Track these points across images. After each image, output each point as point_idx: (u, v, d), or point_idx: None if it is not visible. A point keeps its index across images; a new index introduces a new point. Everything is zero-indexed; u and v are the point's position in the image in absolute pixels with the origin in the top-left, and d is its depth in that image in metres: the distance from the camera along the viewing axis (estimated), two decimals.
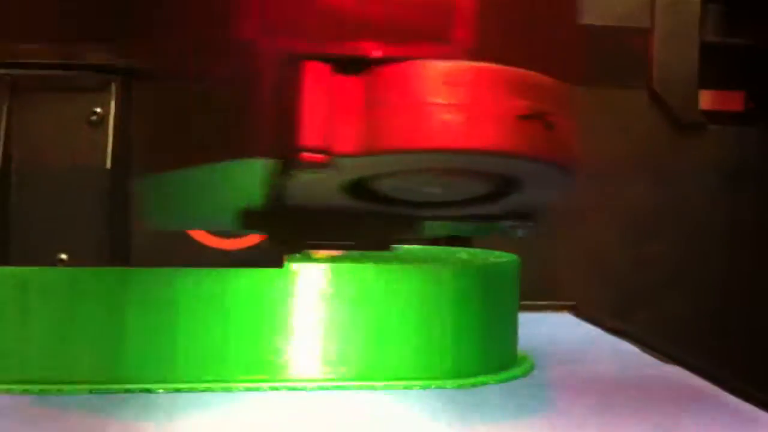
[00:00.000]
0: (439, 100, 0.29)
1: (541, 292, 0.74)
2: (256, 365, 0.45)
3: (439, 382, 0.46)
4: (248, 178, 0.32)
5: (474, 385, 0.47)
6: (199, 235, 0.62)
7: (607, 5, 0.81)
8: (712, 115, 0.84)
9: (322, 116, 0.29)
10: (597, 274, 0.81)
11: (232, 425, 0.40)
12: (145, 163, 0.35)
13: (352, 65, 0.30)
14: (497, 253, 0.52)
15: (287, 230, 0.37)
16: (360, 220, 0.36)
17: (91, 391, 0.44)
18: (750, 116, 0.85)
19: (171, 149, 0.34)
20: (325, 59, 0.29)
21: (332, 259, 0.47)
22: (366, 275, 0.46)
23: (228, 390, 0.45)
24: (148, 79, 0.35)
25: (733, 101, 0.84)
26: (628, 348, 0.58)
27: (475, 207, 0.36)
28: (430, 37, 0.30)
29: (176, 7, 0.33)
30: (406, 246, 0.55)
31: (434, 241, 0.64)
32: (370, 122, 0.29)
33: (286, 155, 0.30)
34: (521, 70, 0.30)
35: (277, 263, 0.46)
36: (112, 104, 0.61)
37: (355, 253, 0.48)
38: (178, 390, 0.44)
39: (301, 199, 0.34)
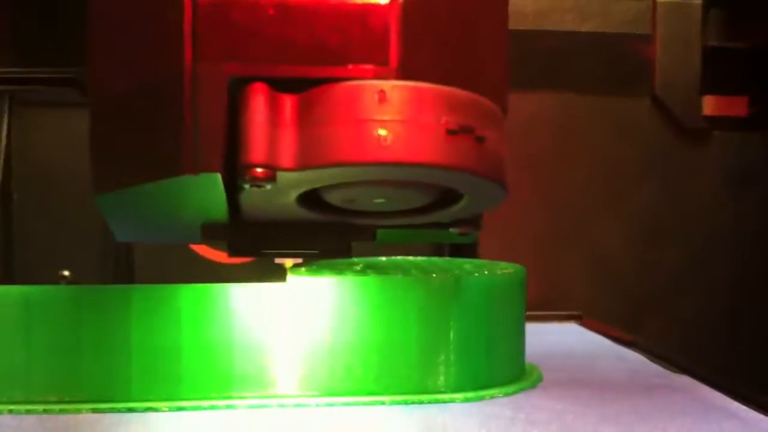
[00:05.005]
0: (374, 117, 0.32)
1: (549, 302, 0.73)
2: (261, 382, 0.45)
3: (446, 396, 0.46)
4: (206, 193, 0.35)
5: (482, 398, 0.46)
6: (202, 250, 0.62)
7: (608, 12, 0.81)
8: (716, 121, 0.83)
9: (265, 134, 0.32)
10: (604, 282, 0.81)
11: None
12: (103, 179, 0.37)
13: (291, 85, 0.33)
14: (503, 264, 0.52)
15: (247, 241, 0.40)
16: (318, 230, 0.40)
17: (94, 410, 0.44)
18: (753, 121, 0.84)
19: (127, 166, 0.35)
20: (266, 80, 0.32)
21: (316, 271, 0.47)
22: (370, 287, 0.46)
23: (232, 408, 0.44)
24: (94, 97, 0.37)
25: (737, 106, 0.84)
26: (635, 357, 0.58)
27: (422, 216, 0.39)
28: (363, 59, 0.33)
29: (118, 33, 0.36)
30: (410, 258, 0.55)
31: (438, 252, 0.64)
32: (311, 138, 0.32)
33: (234, 172, 0.32)
34: (451, 88, 0.33)
35: (281, 277, 0.46)
36: None
37: (326, 261, 0.49)
38: (181, 409, 0.44)
39: (260, 211, 0.37)
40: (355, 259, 0.52)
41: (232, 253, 0.42)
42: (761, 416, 0.44)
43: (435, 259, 0.56)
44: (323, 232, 0.40)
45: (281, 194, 0.35)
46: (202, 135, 0.33)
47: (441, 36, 0.35)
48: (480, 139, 0.34)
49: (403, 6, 0.33)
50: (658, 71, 0.82)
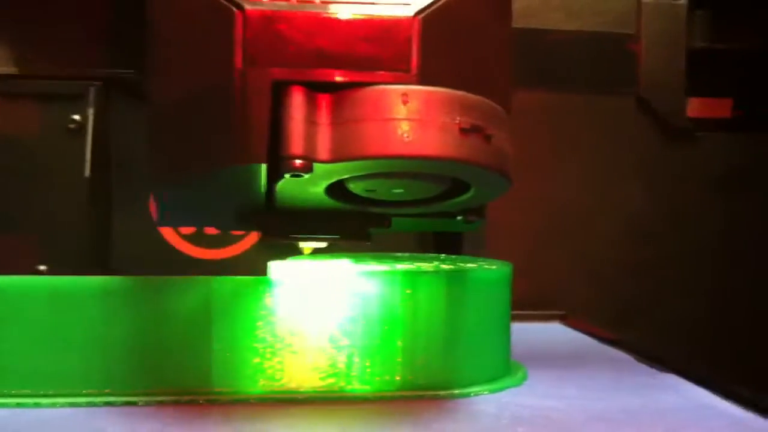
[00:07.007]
0: (398, 116, 0.37)
1: (534, 302, 0.73)
2: (241, 376, 0.44)
3: (431, 393, 0.45)
4: (250, 181, 0.39)
5: (467, 395, 0.46)
6: (182, 245, 0.61)
7: (594, 11, 0.81)
8: (700, 122, 0.83)
9: (303, 130, 0.37)
10: (591, 283, 0.81)
11: None
12: (162, 170, 0.41)
13: (326, 88, 0.38)
14: (489, 260, 0.51)
15: (278, 226, 0.45)
16: (341, 217, 0.45)
17: (70, 405, 0.43)
18: (737, 123, 0.84)
19: (184, 158, 0.40)
20: (305, 84, 0.37)
21: (319, 257, 0.48)
22: (355, 282, 0.45)
23: (213, 402, 0.43)
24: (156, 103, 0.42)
25: (721, 108, 0.84)
26: (621, 356, 0.58)
27: (435, 204, 0.43)
28: (388, 66, 0.38)
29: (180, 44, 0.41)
30: (396, 254, 0.55)
31: (424, 248, 0.63)
32: (343, 134, 0.37)
33: (276, 163, 0.37)
34: (463, 93, 0.38)
35: (261, 271, 0.45)
36: (90, 112, 0.60)
37: (341, 252, 0.52)
38: (161, 402, 0.43)
39: (291, 200, 0.42)
40: (342, 254, 0.51)
41: (265, 235, 0.46)
42: (749, 414, 0.43)
43: (420, 254, 0.56)
44: (345, 220, 0.45)
45: (313, 184, 0.40)
46: (249, 130, 0.37)
47: (454, 46, 0.40)
48: (488, 137, 0.38)
49: (422, 21, 0.38)
50: (644, 71, 0.81)
